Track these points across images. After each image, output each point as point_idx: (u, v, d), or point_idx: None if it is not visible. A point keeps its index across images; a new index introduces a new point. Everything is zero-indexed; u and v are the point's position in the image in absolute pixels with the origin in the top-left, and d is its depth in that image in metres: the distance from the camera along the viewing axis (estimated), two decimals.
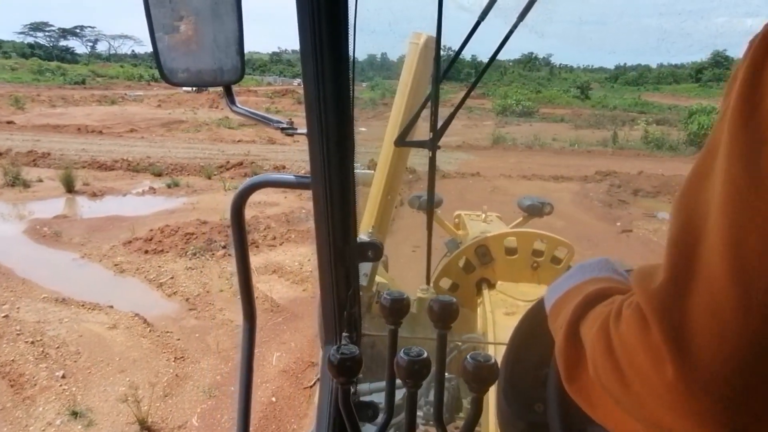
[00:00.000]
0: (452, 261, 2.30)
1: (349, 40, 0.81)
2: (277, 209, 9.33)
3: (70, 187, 10.39)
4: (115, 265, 6.70)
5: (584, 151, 18.37)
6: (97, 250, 7.22)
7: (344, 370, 0.83)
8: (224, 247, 7.26)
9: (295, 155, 15.92)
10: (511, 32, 1.31)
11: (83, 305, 5.40)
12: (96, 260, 6.90)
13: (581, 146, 19.50)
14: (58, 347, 4.61)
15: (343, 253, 0.99)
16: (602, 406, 0.54)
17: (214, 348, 4.80)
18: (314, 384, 4.13)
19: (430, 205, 1.57)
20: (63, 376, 4.23)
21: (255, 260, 6.94)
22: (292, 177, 1.05)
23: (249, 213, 9.06)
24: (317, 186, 0.92)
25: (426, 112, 1.48)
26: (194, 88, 34.85)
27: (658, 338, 0.41)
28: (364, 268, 1.65)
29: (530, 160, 16.02)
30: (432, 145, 1.35)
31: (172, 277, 6.31)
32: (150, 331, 4.98)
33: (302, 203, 9.90)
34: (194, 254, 6.98)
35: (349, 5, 0.79)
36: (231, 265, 6.78)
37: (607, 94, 44.70)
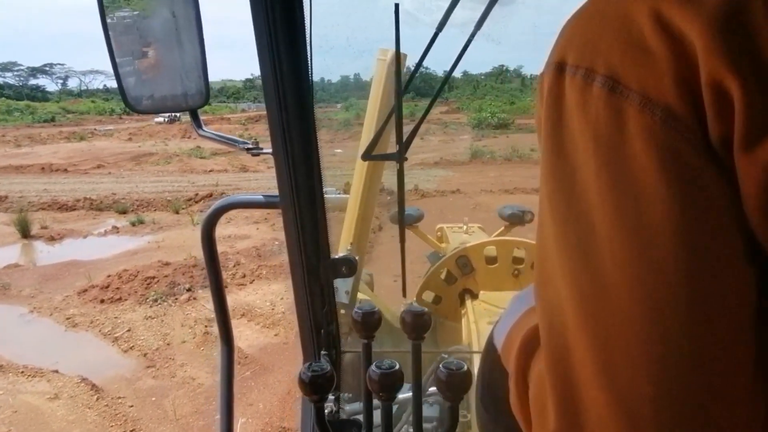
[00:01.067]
0: (434, 273, 2.29)
1: (308, 59, 0.82)
2: (248, 243, 8.77)
3: (25, 232, 9.70)
4: (67, 318, 6.06)
5: None
6: (49, 302, 6.57)
7: (316, 388, 0.82)
8: (189, 290, 6.67)
9: (269, 182, 15.37)
10: (469, 42, 1.30)
11: (23, 372, 4.76)
12: (46, 314, 6.26)
13: None
14: None
15: (316, 270, 0.98)
16: None
17: (172, 415, 4.20)
18: None
19: (401, 217, 1.51)
20: None
21: None
22: (261, 197, 1.05)
23: (218, 249, 8.45)
24: (286, 204, 0.92)
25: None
26: (166, 119, 34.53)
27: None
28: (346, 285, 1.64)
29: (511, 173, 15.71)
30: (399, 156, 1.33)
31: (129, 330, 5.69)
32: (98, 399, 4.36)
33: (275, 234, 9.36)
34: (155, 300, 6.37)
35: (306, 25, 0.80)
36: (195, 311, 6.19)
37: None
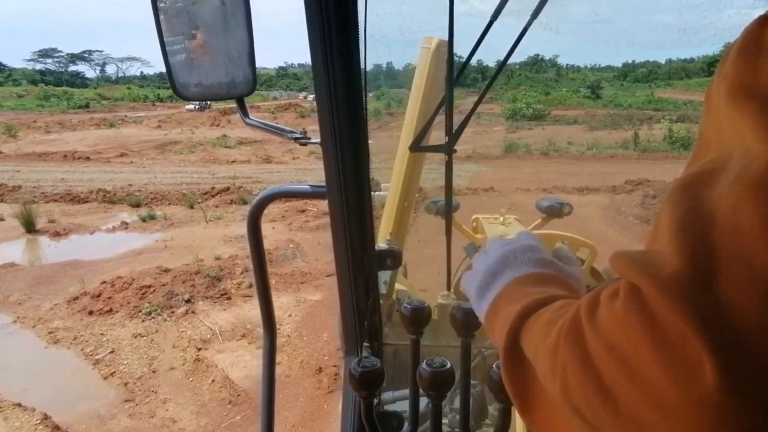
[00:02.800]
0: None
1: (360, 47, 0.81)
2: None
3: (30, 227, 9.18)
4: (50, 333, 5.41)
5: (605, 156, 16.92)
6: (35, 310, 5.95)
7: (366, 384, 0.84)
8: (188, 301, 5.95)
9: (292, 175, 14.71)
10: (525, 29, 1.28)
11: None
12: (29, 326, 5.63)
13: (601, 150, 18.07)
14: None
15: (361, 261, 0.98)
16: None
17: None
18: None
19: (448, 210, 1.48)
20: None
21: (222, 318, 5.63)
22: (308, 186, 1.05)
23: (228, 251, 7.80)
24: (333, 194, 0.93)
25: (439, 119, 1.45)
26: (196, 107, 34.43)
27: (688, 334, 0.31)
28: (384, 275, 1.58)
29: (548, 169, 14.63)
30: (448, 149, 1.29)
31: (112, 351, 4.99)
32: None
33: (291, 235, 8.62)
34: (148, 314, 5.67)
35: (359, 13, 0.80)
36: (192, 327, 5.47)
37: (618, 92, 43.60)
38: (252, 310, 5.89)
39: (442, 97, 1.44)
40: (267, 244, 8.01)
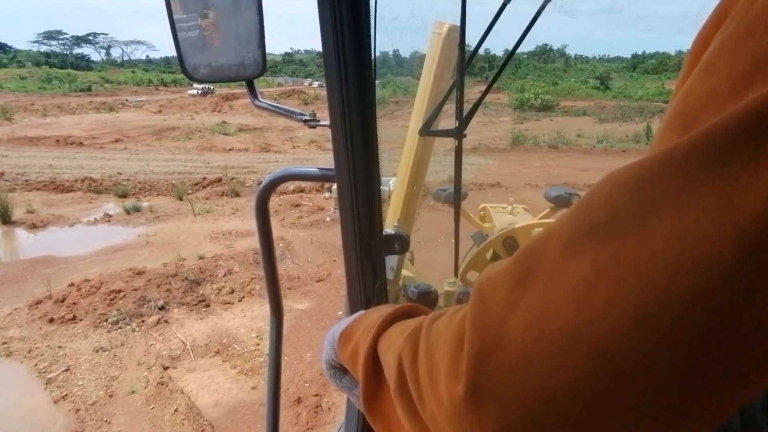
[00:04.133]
0: (479, 253, 2.21)
1: (371, 27, 0.81)
2: (248, 243, 7.46)
3: (5, 218, 8.62)
4: (3, 343, 4.83)
5: (617, 150, 16.22)
6: None
7: None
8: (161, 308, 5.38)
9: (290, 165, 14.09)
10: (539, 12, 1.25)
11: None
12: None
13: (612, 143, 17.41)
14: None
15: (369, 245, 0.99)
16: None
17: None
18: None
19: (457, 197, 1.47)
20: None
21: (197, 329, 5.06)
22: (316, 169, 1.04)
23: (213, 249, 7.23)
24: (342, 177, 0.93)
25: (448, 107, 1.47)
26: (199, 92, 33.92)
27: (465, 354, 0.34)
28: (390, 261, 1.51)
29: (558, 163, 13.98)
30: (458, 133, 1.30)
31: (67, 369, 4.42)
32: None
33: (283, 232, 8.03)
34: (115, 323, 5.10)
35: None
36: (162, 339, 4.90)
37: (627, 83, 42.78)
38: (232, 319, 5.32)
39: (453, 81, 1.43)
40: (255, 242, 7.46)
